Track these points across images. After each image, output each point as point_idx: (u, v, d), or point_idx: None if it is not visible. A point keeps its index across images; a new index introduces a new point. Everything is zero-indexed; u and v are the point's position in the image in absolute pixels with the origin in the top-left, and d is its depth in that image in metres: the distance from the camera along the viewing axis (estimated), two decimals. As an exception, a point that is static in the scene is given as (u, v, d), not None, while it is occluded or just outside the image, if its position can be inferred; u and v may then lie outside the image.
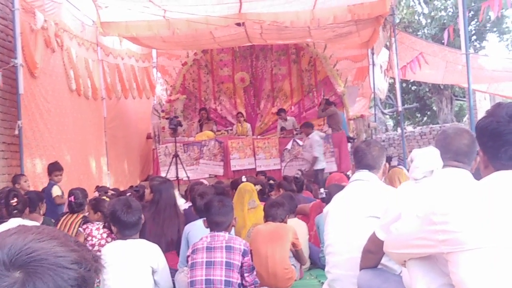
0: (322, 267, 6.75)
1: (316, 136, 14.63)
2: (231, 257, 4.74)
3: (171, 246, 6.24)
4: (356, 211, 4.50)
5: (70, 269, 1.04)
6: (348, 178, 8.74)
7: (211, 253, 4.77)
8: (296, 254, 6.56)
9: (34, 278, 1.01)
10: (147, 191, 7.28)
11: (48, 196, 9.24)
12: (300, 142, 15.44)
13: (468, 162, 3.80)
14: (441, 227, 2.57)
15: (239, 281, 4.74)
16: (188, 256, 4.95)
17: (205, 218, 5.13)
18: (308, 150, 14.53)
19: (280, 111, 17.69)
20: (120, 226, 4.78)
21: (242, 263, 4.77)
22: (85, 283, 1.06)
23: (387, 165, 4.88)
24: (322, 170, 14.34)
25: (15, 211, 6.72)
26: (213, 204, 5.03)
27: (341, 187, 7.20)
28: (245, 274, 4.80)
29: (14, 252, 1.04)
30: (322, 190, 7.15)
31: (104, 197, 7.24)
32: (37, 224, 5.66)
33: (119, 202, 4.93)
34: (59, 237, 1.10)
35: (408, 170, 3.98)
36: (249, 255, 4.88)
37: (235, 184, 8.68)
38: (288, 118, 17.54)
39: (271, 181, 10.35)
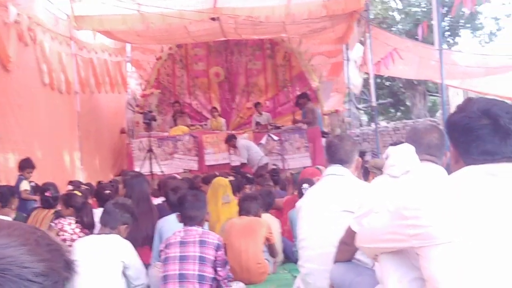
0: (295, 261, 6.77)
1: (241, 141, 14.82)
2: (205, 252, 4.73)
3: (145, 241, 6.21)
4: (329, 206, 4.52)
5: (34, 282, 0.98)
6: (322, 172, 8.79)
7: (185, 247, 4.75)
8: (270, 248, 6.58)
9: None
10: (120, 186, 7.25)
11: (16, 189, 9.18)
12: (275, 137, 15.46)
13: (439, 155, 3.84)
14: (412, 221, 2.58)
15: (212, 275, 4.74)
16: (161, 251, 4.93)
17: (178, 213, 5.12)
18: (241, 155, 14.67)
19: (257, 104, 17.71)
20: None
21: (215, 257, 4.76)
22: None
23: (360, 159, 4.90)
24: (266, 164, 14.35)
25: (-14, 206, 6.67)
26: (186, 199, 5.03)
27: (312, 182, 7.29)
28: (218, 268, 4.80)
29: None
30: (305, 185, 7.15)
31: (76, 192, 7.17)
32: (9, 219, 5.60)
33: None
34: (30, 242, 1.03)
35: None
36: (223, 249, 4.88)
37: (207, 180, 8.65)
38: (263, 113, 17.54)
39: (248, 175, 10.36)
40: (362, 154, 10.34)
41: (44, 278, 0.99)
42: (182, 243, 4.79)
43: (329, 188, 4.66)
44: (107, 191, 7.18)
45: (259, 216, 6.65)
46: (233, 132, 16.68)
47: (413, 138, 3.89)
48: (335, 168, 4.70)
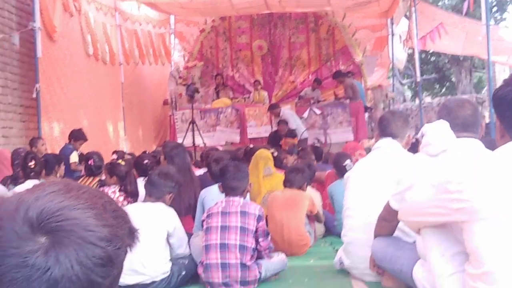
0: (337, 235, 6.80)
1: (287, 110, 14.79)
2: (246, 222, 4.76)
3: (188, 211, 6.27)
4: (377, 177, 4.53)
5: (97, 246, 0.99)
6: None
7: (226, 217, 4.79)
8: (316, 217, 6.64)
9: (57, 249, 0.96)
10: (161, 157, 7.29)
11: (65, 159, 9.33)
12: (317, 111, 15.38)
13: (476, 131, 3.80)
14: (456, 195, 2.57)
15: (253, 245, 4.77)
16: (203, 221, 4.98)
17: (220, 183, 5.16)
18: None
19: (317, 80, 17.58)
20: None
21: (256, 228, 4.79)
22: (111, 262, 1.01)
23: (411, 136, 4.89)
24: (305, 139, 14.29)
25: (32, 173, 6.80)
26: (228, 169, 5.05)
27: (348, 156, 7.33)
28: (260, 239, 4.83)
29: (45, 216, 0.99)
30: (348, 161, 7.14)
31: (120, 161, 7.26)
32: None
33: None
34: (97, 206, 1.04)
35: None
36: (264, 220, 4.91)
37: (248, 154, 8.64)
38: (316, 90, 17.34)
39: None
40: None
41: (107, 243, 1.01)
42: (224, 213, 4.82)
43: (377, 160, 4.67)
44: (146, 161, 7.24)
45: (304, 189, 6.64)
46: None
47: (447, 117, 3.84)
48: (385, 141, 4.71)
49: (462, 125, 3.77)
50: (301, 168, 6.91)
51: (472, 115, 3.80)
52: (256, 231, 4.79)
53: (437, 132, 3.74)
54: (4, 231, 0.99)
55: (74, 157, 9.87)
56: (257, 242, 4.81)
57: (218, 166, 5.97)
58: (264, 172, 7.38)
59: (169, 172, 5.09)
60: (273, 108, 14.88)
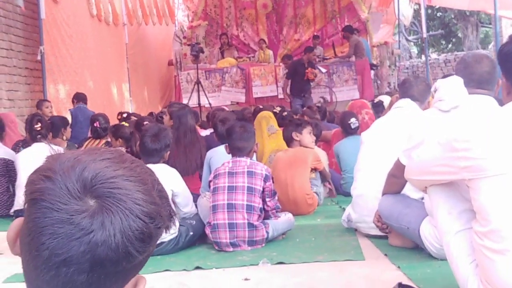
0: (344, 194, 6.83)
1: None
2: (253, 182, 4.77)
3: (194, 170, 6.31)
4: (393, 135, 4.53)
5: (141, 220, 1.00)
6: (378, 104, 8.75)
7: (233, 178, 4.80)
8: (320, 174, 6.63)
9: (105, 214, 0.98)
10: (166, 117, 7.29)
11: (87, 119, 9.35)
12: (323, 69, 15.30)
13: (491, 88, 3.78)
14: (463, 153, 2.57)
15: (260, 205, 4.79)
16: (210, 181, 5.00)
17: (227, 144, 5.16)
18: None
19: (315, 37, 17.49)
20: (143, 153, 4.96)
21: (263, 188, 4.81)
22: (150, 238, 1.02)
23: (431, 102, 4.89)
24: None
25: (39, 136, 6.81)
26: (235, 130, 5.04)
27: (353, 114, 7.34)
28: (267, 199, 4.85)
29: (99, 180, 1.00)
30: (353, 119, 7.14)
31: (124, 123, 7.27)
32: (60, 149, 5.72)
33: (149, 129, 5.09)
34: (147, 182, 1.05)
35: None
36: (271, 180, 4.92)
37: (257, 114, 8.66)
38: (318, 47, 17.25)
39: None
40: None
41: (151, 220, 1.02)
42: (230, 174, 4.84)
43: (396, 119, 4.67)
44: (146, 122, 7.23)
45: (300, 135, 6.68)
46: (281, 64, 16.58)
47: (463, 72, 3.83)
48: (405, 101, 4.70)
49: (478, 81, 3.76)
50: (289, 121, 6.97)
51: (489, 72, 3.78)
52: (263, 191, 4.81)
53: (449, 87, 3.73)
54: (56, 185, 0.99)
55: None
56: (264, 202, 4.83)
57: (224, 127, 5.97)
58: (268, 131, 7.38)
59: (159, 132, 5.04)
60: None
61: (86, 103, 10.24)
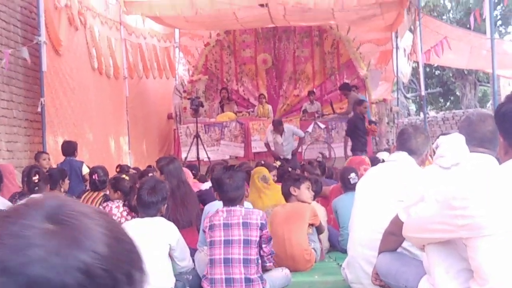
0: (341, 251, 6.78)
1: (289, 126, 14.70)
2: (249, 234, 4.75)
3: (189, 223, 6.29)
4: (386, 193, 4.49)
5: (88, 253, 0.98)
6: (375, 160, 8.77)
7: (228, 230, 4.78)
8: (317, 229, 6.58)
9: (56, 236, 0.98)
10: (156, 174, 7.28)
11: (76, 171, 9.36)
12: (322, 125, 15.41)
13: (493, 148, 3.79)
14: (461, 212, 2.58)
15: (257, 256, 4.77)
16: (205, 232, 4.96)
17: (216, 193, 5.17)
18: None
19: (310, 93, 17.57)
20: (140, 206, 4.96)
21: (260, 236, 4.80)
22: (89, 276, 0.97)
23: (429, 156, 4.86)
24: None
25: (36, 188, 6.80)
26: (224, 182, 5.01)
27: (353, 170, 7.32)
28: (263, 245, 4.84)
29: (62, 210, 1.02)
30: (353, 175, 7.13)
31: (124, 176, 7.27)
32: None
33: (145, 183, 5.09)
34: (110, 229, 1.04)
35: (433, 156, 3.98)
36: (267, 227, 4.91)
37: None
38: (315, 102, 17.38)
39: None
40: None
41: (98, 257, 0.99)
42: (226, 226, 4.81)
43: (388, 174, 4.63)
44: (151, 174, 7.25)
45: (298, 189, 6.64)
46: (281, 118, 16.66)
47: (466, 130, 3.84)
48: (400, 155, 4.65)
49: (480, 140, 3.77)
50: (288, 176, 6.97)
51: (492, 132, 3.79)
52: (260, 239, 4.80)
53: (451, 144, 3.75)
54: (25, 209, 1.03)
55: (86, 169, 9.79)
56: (260, 247, 4.82)
57: (213, 176, 5.97)
58: (261, 181, 7.40)
59: (156, 185, 5.05)
60: (279, 125, 14.42)
61: (74, 154, 10.14)
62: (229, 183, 4.98)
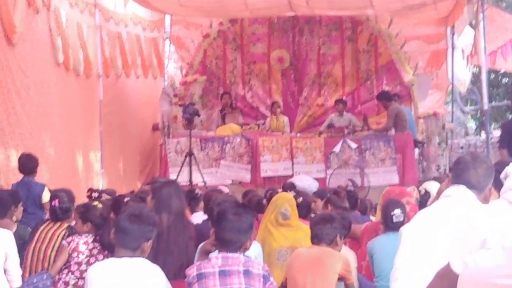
0: (375, 307, 6.76)
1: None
2: (251, 284, 4.73)
3: (180, 272, 6.17)
4: (439, 235, 4.47)
5: None
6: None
7: (226, 279, 4.74)
8: (346, 286, 6.52)
9: None
10: (149, 198, 7.21)
11: (35, 197, 9.39)
12: (353, 145, 15.32)
13: None
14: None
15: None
16: (191, 281, 4.88)
17: (213, 230, 5.16)
18: None
19: (339, 102, 17.51)
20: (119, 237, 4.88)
21: (264, 290, 4.79)
22: None
23: (493, 190, 4.82)
24: None
25: (-19, 216, 6.81)
26: (226, 217, 4.98)
27: (403, 205, 7.23)
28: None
29: None
30: (398, 211, 7.05)
31: (96, 203, 7.26)
32: (8, 233, 5.72)
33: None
34: None
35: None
36: (271, 278, 4.88)
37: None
38: (345, 114, 17.26)
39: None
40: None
41: None
42: (222, 274, 4.77)
43: (444, 212, 4.61)
44: (126, 199, 7.21)
45: (337, 245, 6.54)
46: (299, 135, 16.64)
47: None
48: (458, 189, 4.62)
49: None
50: (330, 217, 6.83)
51: None
52: (266, 293, 4.80)
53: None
54: None
55: (47, 195, 9.64)
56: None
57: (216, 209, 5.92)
58: (280, 215, 7.35)
59: (142, 213, 4.95)
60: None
61: (34, 173, 10.10)
62: (232, 219, 4.95)
